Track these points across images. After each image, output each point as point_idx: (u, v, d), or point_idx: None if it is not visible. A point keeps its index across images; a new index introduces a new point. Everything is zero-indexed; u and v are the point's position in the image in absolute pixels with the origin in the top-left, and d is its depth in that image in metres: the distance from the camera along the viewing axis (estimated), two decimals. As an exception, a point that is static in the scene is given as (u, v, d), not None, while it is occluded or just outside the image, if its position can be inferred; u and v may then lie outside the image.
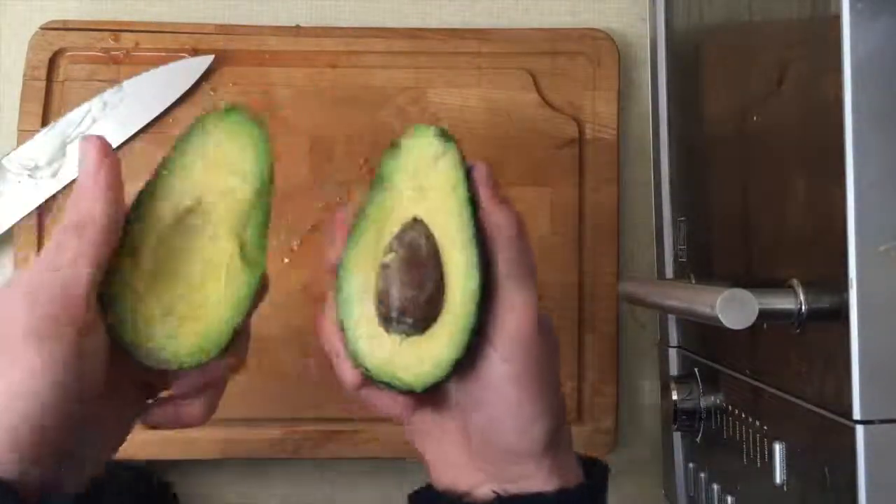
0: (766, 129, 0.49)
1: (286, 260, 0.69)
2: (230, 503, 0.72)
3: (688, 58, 0.64)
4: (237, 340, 0.41)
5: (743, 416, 0.52)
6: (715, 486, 0.57)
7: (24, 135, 0.68)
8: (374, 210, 0.41)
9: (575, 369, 0.70)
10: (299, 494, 0.72)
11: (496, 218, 0.40)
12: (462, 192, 0.40)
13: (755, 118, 0.50)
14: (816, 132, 0.42)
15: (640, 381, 0.73)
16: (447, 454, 0.44)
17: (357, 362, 0.40)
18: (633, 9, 0.73)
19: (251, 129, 0.42)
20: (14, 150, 0.67)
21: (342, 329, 0.40)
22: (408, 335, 0.39)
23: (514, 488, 0.42)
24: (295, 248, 0.69)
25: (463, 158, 0.41)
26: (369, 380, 0.40)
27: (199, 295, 0.40)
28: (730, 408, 0.54)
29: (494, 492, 0.42)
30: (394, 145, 0.41)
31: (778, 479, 0.46)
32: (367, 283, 0.40)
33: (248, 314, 0.41)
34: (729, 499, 0.54)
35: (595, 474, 0.45)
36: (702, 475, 0.60)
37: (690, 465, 0.63)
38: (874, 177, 0.38)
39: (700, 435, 0.60)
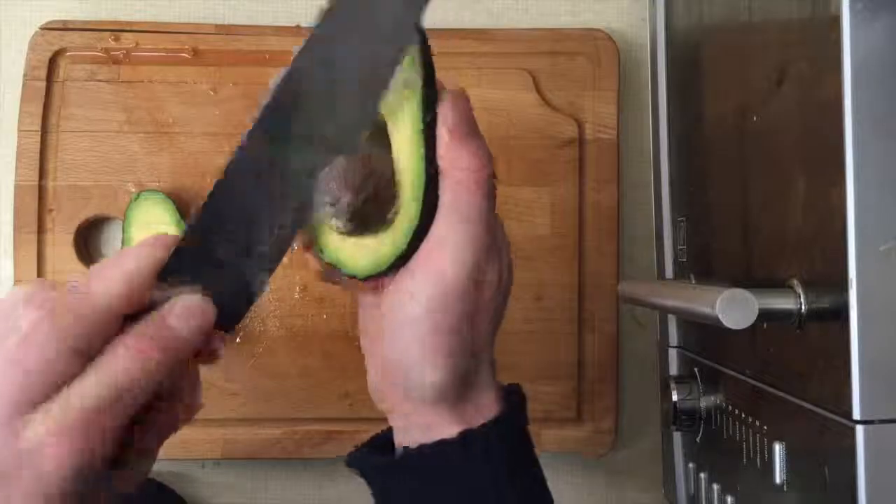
0: (766, 129, 0.49)
1: (286, 260, 0.69)
2: (230, 503, 0.72)
3: (688, 58, 0.64)
4: None
5: (743, 416, 0.52)
6: (715, 486, 0.57)
7: (24, 135, 0.68)
8: None
9: (575, 369, 0.70)
10: (299, 494, 0.72)
11: (449, 154, 0.38)
12: (417, 103, 0.38)
13: (755, 118, 0.50)
14: (816, 132, 0.42)
15: (639, 381, 0.73)
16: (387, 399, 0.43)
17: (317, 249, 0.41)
18: (633, 9, 0.73)
19: None
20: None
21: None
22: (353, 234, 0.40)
23: (422, 437, 0.40)
24: (295, 247, 0.69)
25: (426, 62, 0.39)
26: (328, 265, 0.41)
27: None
28: (730, 408, 0.54)
29: (403, 446, 0.41)
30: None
31: (778, 479, 0.46)
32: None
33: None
34: (729, 499, 0.54)
35: (505, 407, 0.42)
36: (702, 475, 0.60)
37: (690, 465, 0.63)
38: (874, 177, 0.38)
39: (700, 435, 0.60)
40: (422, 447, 0.40)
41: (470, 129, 0.39)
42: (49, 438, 0.32)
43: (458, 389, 0.40)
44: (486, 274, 0.39)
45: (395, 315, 0.39)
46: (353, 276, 0.41)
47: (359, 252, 0.40)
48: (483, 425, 0.40)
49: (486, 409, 0.41)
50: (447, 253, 0.38)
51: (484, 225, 0.39)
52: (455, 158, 0.38)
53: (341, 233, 0.41)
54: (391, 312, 0.39)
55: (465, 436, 0.40)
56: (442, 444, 0.40)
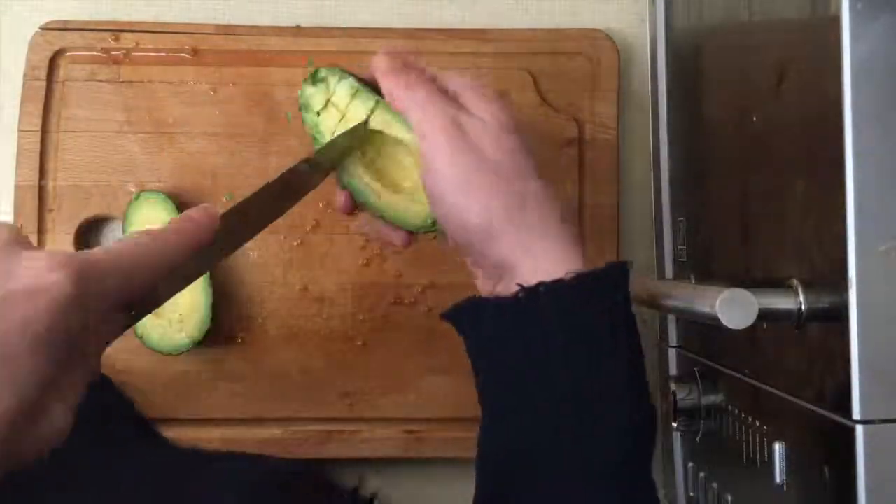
0: (766, 129, 0.49)
1: (286, 259, 0.69)
2: (230, 503, 0.72)
3: (688, 58, 0.64)
4: None
5: (743, 416, 0.52)
6: (715, 486, 0.57)
7: (24, 135, 0.68)
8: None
9: (575, 369, 0.70)
10: (299, 494, 0.72)
11: (386, 87, 0.49)
12: (368, 98, 0.51)
13: (755, 118, 0.50)
14: (816, 132, 0.42)
15: (640, 381, 0.73)
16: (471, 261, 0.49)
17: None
18: (633, 9, 0.73)
19: None
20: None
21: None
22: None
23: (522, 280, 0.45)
24: (295, 247, 0.69)
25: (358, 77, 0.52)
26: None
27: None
28: (730, 408, 0.54)
29: (518, 284, 0.44)
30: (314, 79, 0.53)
31: (778, 479, 0.46)
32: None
33: None
34: (729, 498, 0.54)
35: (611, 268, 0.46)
36: (702, 475, 0.60)
37: (690, 465, 0.63)
38: (874, 177, 0.38)
39: (700, 435, 0.60)
40: (540, 283, 0.44)
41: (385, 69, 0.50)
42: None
43: (504, 223, 0.46)
44: (461, 125, 0.47)
45: (439, 191, 0.47)
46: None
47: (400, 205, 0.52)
48: (593, 271, 0.44)
49: (564, 254, 0.45)
50: (425, 142, 0.48)
51: (427, 110, 0.48)
52: (389, 93, 0.50)
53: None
54: (435, 191, 0.48)
55: (579, 276, 0.44)
56: (559, 282, 0.44)
